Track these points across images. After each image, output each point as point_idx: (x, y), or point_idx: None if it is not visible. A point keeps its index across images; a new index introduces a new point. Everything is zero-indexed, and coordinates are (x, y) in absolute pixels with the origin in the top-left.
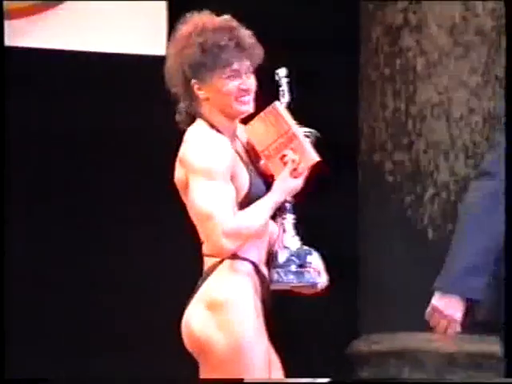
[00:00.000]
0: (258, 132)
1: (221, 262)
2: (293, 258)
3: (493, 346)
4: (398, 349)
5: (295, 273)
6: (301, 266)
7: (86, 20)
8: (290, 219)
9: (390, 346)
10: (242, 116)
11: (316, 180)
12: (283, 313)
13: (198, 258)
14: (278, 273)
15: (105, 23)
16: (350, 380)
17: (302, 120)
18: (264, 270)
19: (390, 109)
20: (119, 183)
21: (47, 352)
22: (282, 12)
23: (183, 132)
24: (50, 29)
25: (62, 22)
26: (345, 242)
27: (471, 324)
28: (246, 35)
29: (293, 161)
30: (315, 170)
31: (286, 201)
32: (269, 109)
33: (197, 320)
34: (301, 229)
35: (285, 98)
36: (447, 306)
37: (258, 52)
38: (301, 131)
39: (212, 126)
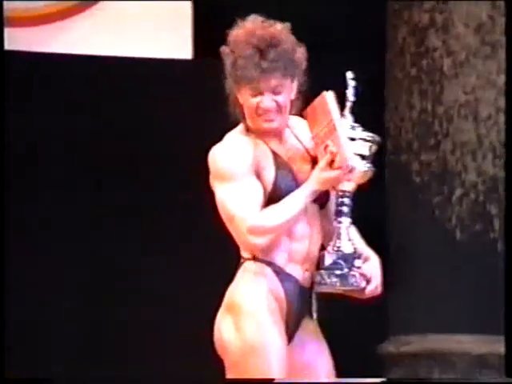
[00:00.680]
0: (310, 118)
1: (242, 263)
2: (340, 261)
3: None
4: (428, 350)
5: (339, 276)
6: (347, 269)
7: (109, 24)
8: (346, 223)
9: (419, 347)
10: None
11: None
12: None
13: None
14: (321, 275)
15: (130, 27)
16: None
17: None
18: (293, 270)
19: (417, 109)
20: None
21: (48, 352)
22: (308, 11)
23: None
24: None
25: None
26: (373, 242)
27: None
28: (280, 51)
29: (331, 152)
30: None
31: (343, 203)
32: (319, 97)
33: (218, 321)
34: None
35: (350, 99)
36: None
37: (292, 69)
38: (343, 124)
39: (248, 129)
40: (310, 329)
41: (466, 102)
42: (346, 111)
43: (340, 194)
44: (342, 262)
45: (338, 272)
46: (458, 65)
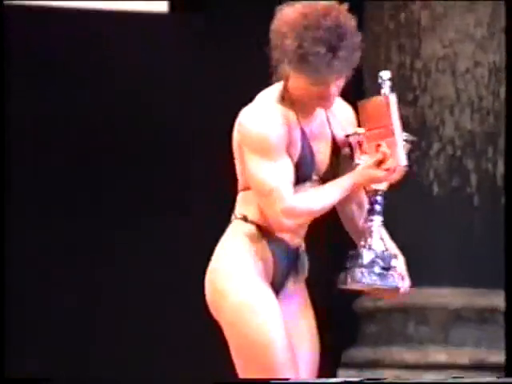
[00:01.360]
0: (368, 112)
1: (232, 221)
2: (378, 259)
3: (498, 299)
4: (404, 304)
5: (379, 275)
6: (385, 268)
7: None
8: (378, 221)
9: (395, 301)
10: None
11: None
12: None
13: None
14: (362, 273)
15: None
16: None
17: None
18: (283, 235)
19: (395, 63)
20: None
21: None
22: None
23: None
24: None
25: None
26: None
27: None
28: (348, 45)
29: (384, 153)
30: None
31: (376, 201)
32: (382, 97)
33: (207, 282)
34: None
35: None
36: None
37: (352, 62)
38: (401, 132)
39: (283, 98)
40: (295, 286)
41: (444, 55)
42: None
43: (373, 192)
44: (381, 261)
45: (377, 271)
46: (436, 18)
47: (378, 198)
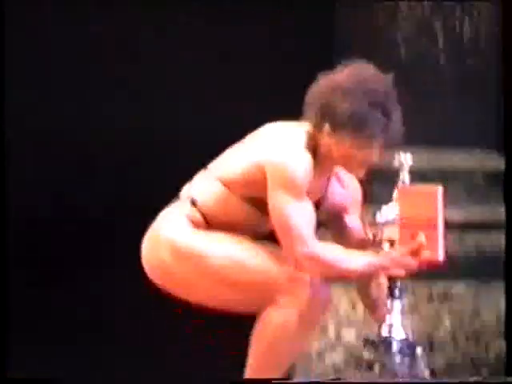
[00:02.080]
0: (410, 200)
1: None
2: (405, 348)
3: (458, 158)
4: None
5: (409, 365)
6: (411, 356)
7: None
8: (397, 306)
9: None
10: None
11: None
12: None
13: None
14: (393, 364)
15: None
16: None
17: None
18: None
19: None
20: None
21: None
22: None
23: None
24: None
25: None
26: None
27: None
28: (398, 111)
29: (421, 244)
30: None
31: (395, 287)
32: (432, 188)
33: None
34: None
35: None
36: None
37: (398, 134)
38: (442, 228)
39: (310, 149)
40: None
41: None
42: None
43: (391, 277)
44: (407, 350)
45: (407, 361)
46: None
47: (398, 283)
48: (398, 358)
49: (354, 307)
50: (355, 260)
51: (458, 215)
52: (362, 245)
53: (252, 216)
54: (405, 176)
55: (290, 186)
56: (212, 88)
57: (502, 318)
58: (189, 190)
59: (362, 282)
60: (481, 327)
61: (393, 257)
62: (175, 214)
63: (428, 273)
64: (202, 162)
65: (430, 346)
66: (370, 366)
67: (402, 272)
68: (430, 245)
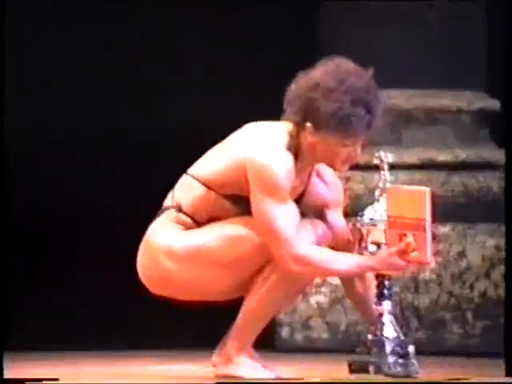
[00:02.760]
0: (399, 200)
1: (165, 210)
2: (398, 348)
3: (447, 100)
4: None
5: (403, 365)
6: (404, 355)
7: None
8: (387, 306)
9: None
10: None
11: None
12: None
13: None
14: (388, 365)
15: None
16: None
17: None
18: None
19: None
20: None
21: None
22: None
23: None
24: None
25: None
26: None
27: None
28: (380, 106)
29: (408, 244)
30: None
31: (384, 286)
32: (420, 189)
33: (144, 262)
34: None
35: (384, 184)
36: None
37: (381, 126)
38: (430, 229)
39: (292, 147)
40: None
41: None
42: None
43: (381, 276)
44: (399, 349)
45: (401, 361)
46: None
47: (387, 283)
48: (390, 358)
49: None
50: (343, 261)
51: (445, 156)
52: (345, 242)
53: (235, 213)
54: (386, 175)
55: (273, 189)
56: (195, 91)
57: (487, 259)
58: (172, 197)
59: (347, 280)
60: (466, 268)
61: (381, 258)
62: (165, 223)
63: None
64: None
65: (416, 286)
66: (363, 368)
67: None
68: (418, 246)
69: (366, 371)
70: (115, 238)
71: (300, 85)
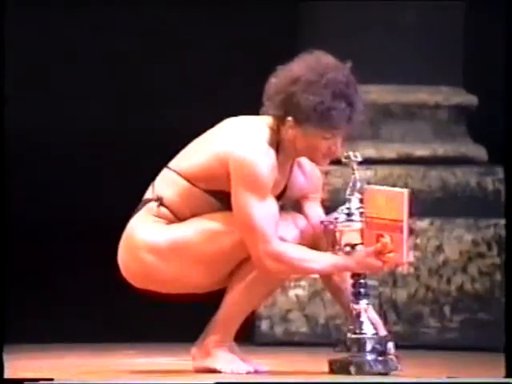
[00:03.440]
0: (377, 201)
1: (146, 203)
2: (377, 346)
3: (424, 95)
4: None
5: (382, 362)
6: (383, 353)
7: None
8: (364, 304)
9: None
10: None
11: None
12: None
13: None
14: (369, 363)
15: None
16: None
17: None
18: None
19: None
20: None
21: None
22: None
23: None
24: None
25: None
26: None
27: None
28: (360, 100)
29: (385, 244)
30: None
31: (360, 285)
32: (398, 190)
33: (125, 257)
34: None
35: (356, 185)
36: None
37: (362, 119)
38: (407, 230)
39: (273, 141)
40: None
41: None
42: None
43: (357, 275)
44: (379, 347)
45: (380, 358)
46: None
47: (362, 281)
48: (370, 356)
49: None
50: (320, 260)
51: (422, 151)
52: (323, 234)
53: (217, 208)
54: (355, 174)
55: (255, 186)
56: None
57: (465, 254)
58: (153, 191)
59: (326, 278)
60: (443, 262)
61: (358, 258)
62: (146, 218)
63: None
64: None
65: (394, 281)
66: (344, 368)
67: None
68: (395, 247)
69: (347, 371)
70: (103, 230)
71: (280, 79)
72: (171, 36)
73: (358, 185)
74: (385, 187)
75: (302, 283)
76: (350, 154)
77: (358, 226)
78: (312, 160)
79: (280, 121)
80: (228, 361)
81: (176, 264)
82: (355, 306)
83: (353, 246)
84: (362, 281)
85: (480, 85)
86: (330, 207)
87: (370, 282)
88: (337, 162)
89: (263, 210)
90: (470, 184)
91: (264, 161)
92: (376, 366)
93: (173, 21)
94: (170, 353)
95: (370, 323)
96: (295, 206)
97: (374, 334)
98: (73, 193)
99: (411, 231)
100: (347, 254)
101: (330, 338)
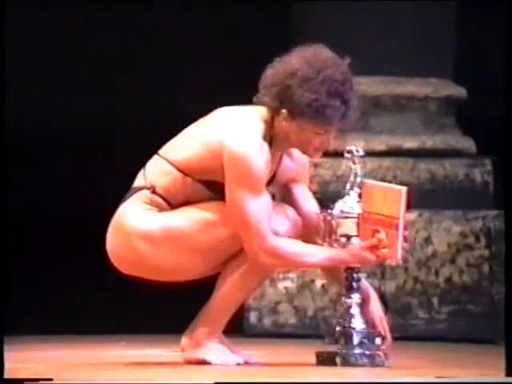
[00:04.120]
0: (375, 196)
1: (139, 190)
2: (364, 340)
3: (414, 87)
4: None
5: (369, 356)
6: (371, 347)
7: None
8: (356, 298)
9: None
10: None
11: None
12: None
13: None
14: (355, 356)
15: None
16: None
17: None
18: None
19: None
20: None
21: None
22: None
23: None
24: None
25: None
26: None
27: None
28: (355, 97)
29: (380, 240)
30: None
31: (353, 279)
32: (396, 187)
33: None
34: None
35: (356, 179)
36: None
37: (355, 119)
38: (402, 227)
39: (267, 134)
40: None
41: None
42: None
43: (350, 269)
44: (367, 342)
45: (367, 352)
46: None
47: (355, 276)
48: (357, 349)
49: None
50: (315, 254)
51: (412, 143)
52: (311, 222)
53: (210, 197)
54: (357, 168)
55: (250, 182)
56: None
57: (453, 245)
58: (144, 178)
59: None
60: (432, 254)
61: (353, 251)
62: (137, 204)
63: None
64: None
65: (382, 272)
66: (330, 359)
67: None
68: (390, 243)
69: (333, 363)
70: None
71: (277, 71)
72: (163, 36)
73: (359, 179)
74: (384, 183)
75: (291, 275)
76: (353, 148)
77: (355, 217)
78: (304, 152)
79: (274, 112)
80: (218, 352)
81: (169, 252)
82: (347, 300)
83: (348, 238)
84: (355, 275)
85: (468, 77)
86: (320, 199)
87: (360, 275)
88: (326, 154)
89: (258, 206)
90: (458, 176)
91: (259, 157)
92: (362, 359)
93: (166, 20)
94: (160, 344)
95: (361, 317)
96: (283, 190)
97: (363, 329)
98: (74, 186)
99: (406, 227)
100: (343, 245)
101: (319, 329)
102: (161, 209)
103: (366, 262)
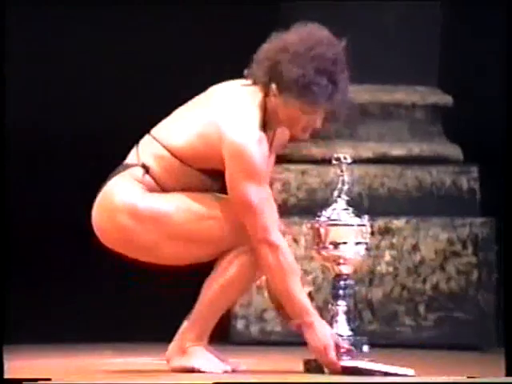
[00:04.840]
0: None
1: (129, 167)
2: (352, 348)
3: (401, 95)
4: None
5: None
6: (359, 356)
7: None
8: (342, 306)
9: None
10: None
11: None
12: None
13: None
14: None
15: None
16: None
17: None
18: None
19: None
20: None
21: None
22: None
23: None
24: None
25: None
26: None
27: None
28: (345, 80)
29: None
30: None
31: (340, 287)
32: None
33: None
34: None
35: (343, 186)
36: None
37: (345, 103)
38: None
39: (263, 119)
40: None
41: None
42: (340, 194)
43: (337, 276)
44: (354, 349)
45: (354, 360)
46: None
47: (342, 283)
48: (344, 356)
49: (295, 241)
50: (301, 289)
51: (399, 150)
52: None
53: (204, 182)
54: (344, 176)
55: (252, 174)
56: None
57: (440, 252)
58: (138, 156)
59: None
60: (419, 261)
61: (325, 340)
62: (128, 180)
63: (370, 208)
64: None
65: (370, 280)
66: (318, 367)
67: (346, 269)
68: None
69: (321, 370)
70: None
71: (270, 46)
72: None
73: (346, 186)
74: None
75: None
76: (341, 156)
77: (343, 225)
78: (292, 132)
79: (265, 87)
80: (205, 360)
81: (155, 235)
82: (333, 308)
83: (336, 245)
84: (342, 282)
85: (455, 85)
86: (307, 206)
87: (348, 282)
88: (313, 161)
89: (263, 196)
90: (445, 183)
91: (259, 148)
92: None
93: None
94: (145, 353)
95: (347, 324)
96: None
97: (350, 336)
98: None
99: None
100: (331, 252)
101: None
102: (151, 190)
103: (325, 360)
